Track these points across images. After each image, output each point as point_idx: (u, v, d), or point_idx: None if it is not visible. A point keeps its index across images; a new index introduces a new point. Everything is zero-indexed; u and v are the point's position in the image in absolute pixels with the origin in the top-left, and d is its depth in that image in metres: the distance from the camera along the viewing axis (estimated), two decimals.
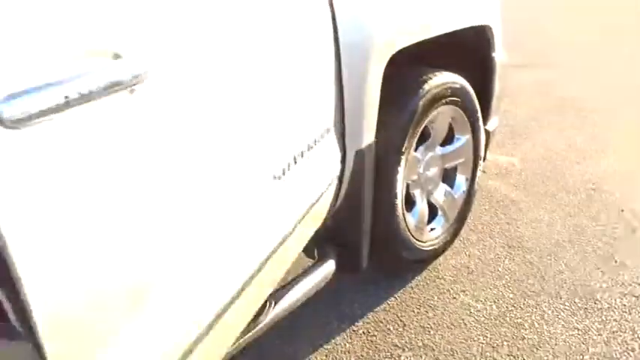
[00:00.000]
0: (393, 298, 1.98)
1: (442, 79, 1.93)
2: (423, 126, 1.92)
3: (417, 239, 2.01)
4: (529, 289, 1.99)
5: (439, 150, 2.11)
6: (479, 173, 2.33)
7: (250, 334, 1.44)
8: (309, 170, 1.40)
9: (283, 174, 1.27)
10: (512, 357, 1.68)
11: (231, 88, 1.10)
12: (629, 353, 1.68)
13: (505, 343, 1.73)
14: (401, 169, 1.84)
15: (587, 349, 1.69)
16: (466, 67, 2.15)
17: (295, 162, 1.31)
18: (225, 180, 1.10)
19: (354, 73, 1.54)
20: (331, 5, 1.43)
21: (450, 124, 2.12)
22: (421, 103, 1.84)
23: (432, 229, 2.14)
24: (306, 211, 1.40)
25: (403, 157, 1.83)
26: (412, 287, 2.03)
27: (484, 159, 2.43)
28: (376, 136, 1.70)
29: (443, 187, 2.19)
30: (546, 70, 4.58)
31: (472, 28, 2.07)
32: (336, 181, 1.60)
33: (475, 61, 2.22)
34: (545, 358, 1.66)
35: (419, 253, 2.04)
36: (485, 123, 2.33)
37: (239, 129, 1.13)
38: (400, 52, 1.67)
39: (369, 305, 1.95)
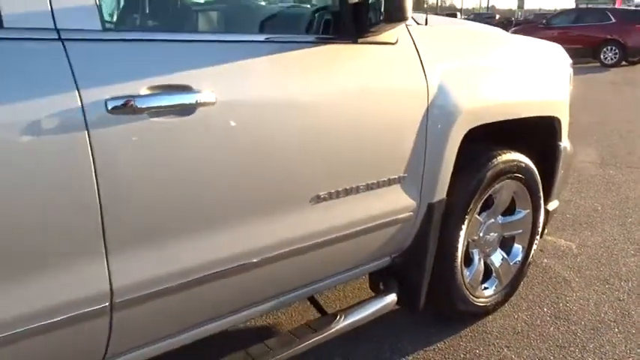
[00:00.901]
0: (442, 342, 2.22)
1: (509, 157, 2.24)
2: (488, 194, 2.22)
3: (470, 293, 2.27)
4: (570, 355, 2.17)
5: (500, 219, 2.39)
6: (534, 247, 2.57)
7: (321, 336, 1.75)
8: (383, 199, 1.75)
9: (349, 193, 1.66)
10: None
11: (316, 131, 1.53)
12: None
13: None
14: (464, 227, 2.13)
15: None
16: (535, 151, 2.45)
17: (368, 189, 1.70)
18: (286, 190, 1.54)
19: (435, 144, 1.88)
20: (428, 92, 1.81)
21: (513, 198, 2.41)
22: (489, 174, 2.15)
23: (485, 288, 2.39)
24: (372, 226, 1.75)
25: (467, 217, 2.13)
26: (461, 336, 2.27)
27: (541, 235, 2.67)
28: (450, 196, 2.02)
29: (500, 253, 2.45)
30: (618, 170, 4.75)
31: (542, 117, 2.38)
32: (408, 223, 1.92)
33: (544, 146, 2.51)
34: None
35: (471, 307, 2.29)
36: (546, 203, 2.58)
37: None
38: (478, 128, 2.01)
39: (420, 344, 2.20)
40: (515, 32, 16.40)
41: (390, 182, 1.81)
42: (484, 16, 41.47)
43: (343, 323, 1.83)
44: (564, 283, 2.74)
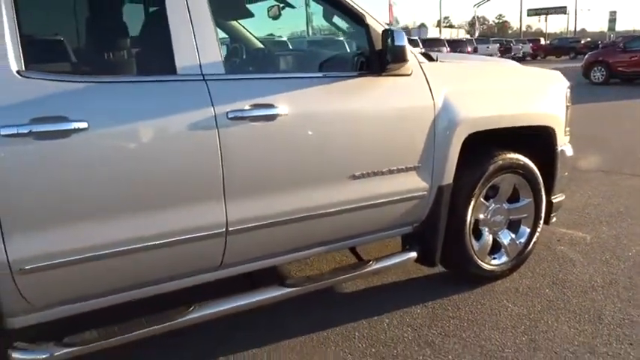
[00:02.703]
0: (456, 295, 2.96)
1: (508, 156, 2.98)
2: (491, 184, 2.96)
3: (479, 259, 3.00)
4: (555, 305, 2.83)
5: (505, 205, 3.11)
6: (539, 230, 3.24)
7: (356, 273, 2.59)
8: (402, 181, 2.57)
9: (377, 174, 2.48)
10: (531, 339, 2.56)
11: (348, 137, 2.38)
12: None
13: (524, 335, 2.62)
14: (470, 207, 2.88)
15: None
16: (537, 153, 3.16)
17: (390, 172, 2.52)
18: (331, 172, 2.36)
19: (441, 144, 2.68)
20: (435, 108, 2.63)
21: (517, 188, 3.12)
22: (490, 168, 2.90)
23: (494, 258, 3.10)
24: (394, 199, 2.57)
25: (473, 199, 2.88)
26: (472, 292, 2.99)
27: (547, 222, 3.34)
28: (457, 182, 2.79)
29: (507, 232, 3.16)
30: None
31: (539, 127, 3.09)
32: (424, 199, 2.71)
33: (544, 150, 3.20)
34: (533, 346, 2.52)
35: (480, 271, 3.01)
36: (549, 195, 3.26)
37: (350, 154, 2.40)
38: (481, 134, 2.77)
39: (439, 296, 2.95)
40: (592, 55, 16.38)
41: (407, 169, 2.63)
42: (569, 41, 40.59)
43: (373, 267, 2.66)
44: (569, 262, 3.38)
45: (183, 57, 2.07)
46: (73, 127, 1.82)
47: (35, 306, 1.92)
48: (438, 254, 2.86)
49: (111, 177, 1.93)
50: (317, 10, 2.75)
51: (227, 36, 3.25)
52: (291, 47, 3.26)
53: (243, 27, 3.51)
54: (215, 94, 2.09)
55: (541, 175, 3.16)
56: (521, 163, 3.04)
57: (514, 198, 3.16)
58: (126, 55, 2.31)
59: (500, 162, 2.95)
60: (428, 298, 2.93)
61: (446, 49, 24.89)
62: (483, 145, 2.92)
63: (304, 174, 2.33)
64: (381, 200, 2.58)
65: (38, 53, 1.91)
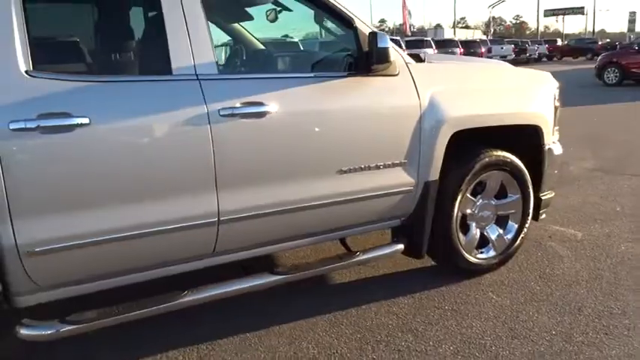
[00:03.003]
0: (444, 287, 3.08)
1: (495, 153, 3.09)
2: (478, 180, 3.08)
3: (467, 253, 3.11)
4: (538, 297, 2.94)
5: (493, 201, 3.23)
6: (527, 225, 3.35)
7: (344, 263, 2.74)
8: (389, 176, 2.70)
9: (364, 170, 2.62)
10: (510, 328, 2.68)
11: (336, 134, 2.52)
12: None
13: (504, 324, 2.73)
14: (457, 202, 3.00)
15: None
16: (525, 151, 3.27)
17: (377, 168, 2.65)
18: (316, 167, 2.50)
19: (427, 142, 2.80)
20: (421, 107, 2.75)
21: (504, 185, 3.23)
22: (477, 165, 3.02)
23: (481, 252, 3.22)
24: (381, 194, 2.71)
25: (459, 195, 3.00)
26: (459, 284, 3.11)
27: (536, 218, 3.44)
28: (444, 178, 2.92)
29: (495, 228, 3.27)
30: None
31: (526, 126, 3.20)
32: (410, 194, 2.84)
33: (532, 148, 3.31)
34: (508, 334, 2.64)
35: (466, 264, 3.13)
36: (537, 191, 3.37)
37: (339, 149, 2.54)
38: (467, 132, 2.89)
39: (427, 287, 3.07)
40: (605, 57, 16.29)
41: (394, 165, 2.76)
42: (586, 41, 40.24)
43: (360, 258, 2.80)
44: (558, 258, 3.48)
45: (179, 58, 2.23)
46: (75, 123, 1.99)
47: (41, 286, 2.09)
48: (425, 247, 2.98)
49: (110, 169, 2.09)
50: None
51: (229, 38, 3.41)
52: (286, 49, 3.40)
53: (245, 29, 3.68)
54: (208, 92, 2.25)
55: (530, 172, 3.28)
56: (508, 160, 3.15)
57: (502, 194, 3.27)
58: (125, 56, 2.48)
59: (487, 159, 3.06)
60: (416, 290, 3.06)
61: (459, 50, 24.87)
62: (470, 142, 3.04)
63: (293, 168, 2.48)
64: (368, 194, 2.71)
65: (45, 54, 2.08)
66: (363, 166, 2.66)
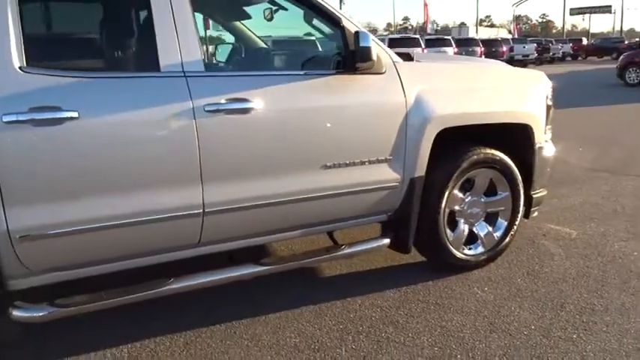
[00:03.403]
0: (431, 282, 3.13)
1: (483, 151, 3.13)
2: (466, 177, 3.13)
3: (454, 249, 3.17)
4: (522, 293, 2.98)
5: (482, 198, 3.27)
6: (517, 223, 3.38)
7: (329, 256, 2.81)
8: (374, 172, 2.77)
9: (348, 165, 2.69)
10: (490, 322, 2.72)
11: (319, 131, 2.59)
12: None
13: (485, 318, 2.78)
14: (444, 199, 3.06)
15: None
16: (515, 150, 3.30)
17: (362, 164, 2.72)
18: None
19: (413, 139, 2.86)
20: (407, 105, 2.82)
21: (494, 182, 3.27)
22: (464, 163, 3.07)
23: (470, 248, 3.27)
24: (366, 189, 2.78)
25: (447, 191, 3.05)
26: (446, 279, 3.16)
27: (527, 216, 3.47)
28: (431, 175, 2.97)
29: (484, 225, 3.31)
30: None
31: (516, 124, 3.24)
32: (396, 190, 2.90)
33: (522, 147, 3.34)
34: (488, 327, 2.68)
35: (453, 259, 3.18)
36: (528, 189, 3.40)
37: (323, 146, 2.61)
38: (455, 130, 2.94)
39: (415, 281, 3.13)
40: (627, 56, 16.02)
41: (379, 161, 2.83)
42: (612, 41, 39.53)
43: (345, 251, 2.87)
44: (549, 256, 3.50)
45: (167, 56, 2.33)
46: (65, 116, 2.11)
47: (32, 270, 2.22)
48: (411, 242, 3.04)
49: (98, 161, 2.21)
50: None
51: (220, 35, 3.52)
52: (279, 47, 3.51)
53: (246, 28, 3.79)
54: (194, 89, 2.35)
55: (521, 170, 3.31)
56: (497, 158, 3.19)
57: (492, 192, 3.31)
58: (116, 53, 2.59)
59: (475, 157, 3.11)
60: (403, 284, 3.12)
61: (480, 49, 24.67)
62: (458, 140, 3.09)
63: (277, 163, 2.57)
64: (353, 189, 2.79)
65: (37, 51, 2.20)
66: (347, 162, 2.74)
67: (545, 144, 3.43)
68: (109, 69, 2.37)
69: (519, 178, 3.31)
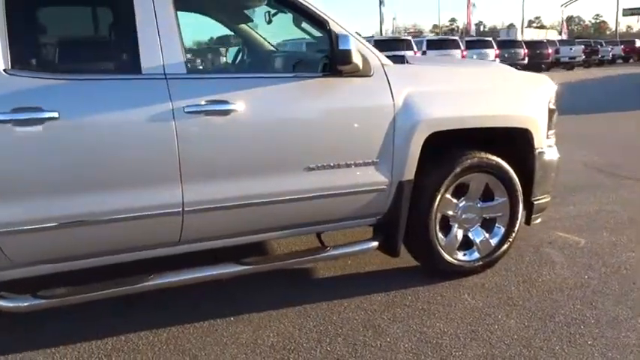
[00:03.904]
0: (421, 287, 3.10)
1: (479, 155, 3.08)
2: (459, 181, 3.08)
3: (446, 254, 3.12)
4: (512, 302, 2.91)
5: (478, 203, 3.21)
6: (515, 229, 3.30)
7: (314, 257, 2.83)
8: (361, 174, 2.77)
9: (332, 167, 2.70)
10: (472, 330, 2.67)
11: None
12: None
13: (469, 326, 2.73)
14: (435, 203, 3.01)
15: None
16: (515, 154, 3.23)
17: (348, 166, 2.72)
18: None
19: (401, 142, 2.84)
20: (394, 108, 2.80)
21: (491, 188, 3.20)
22: (458, 166, 3.02)
23: (464, 254, 3.21)
24: (352, 191, 2.78)
25: (438, 196, 3.01)
26: (437, 284, 3.12)
27: (528, 223, 3.39)
28: (421, 178, 2.94)
29: (480, 231, 3.25)
30: None
31: (514, 129, 3.16)
32: (384, 193, 2.89)
33: (522, 152, 3.26)
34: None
35: (445, 265, 3.13)
36: (529, 196, 3.31)
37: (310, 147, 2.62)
38: (449, 133, 2.91)
39: (405, 286, 3.11)
40: None
41: (365, 164, 2.82)
42: None
43: (330, 253, 2.88)
44: (550, 264, 3.40)
45: (148, 58, 2.40)
46: (46, 117, 2.20)
47: (15, 263, 2.33)
48: (399, 245, 3.02)
49: (78, 160, 2.30)
50: None
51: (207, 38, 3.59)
52: (269, 50, 3.57)
53: (253, 30, 3.85)
54: (174, 91, 2.41)
55: (521, 176, 3.24)
56: (493, 163, 3.13)
57: (489, 197, 3.25)
58: (98, 56, 2.68)
59: (469, 161, 3.05)
60: (393, 288, 3.10)
61: (524, 50, 24.07)
62: (451, 144, 3.05)
63: (257, 164, 2.60)
64: (339, 191, 2.79)
65: (21, 54, 2.30)
66: (332, 164, 2.74)
67: (548, 149, 3.33)
68: (91, 71, 2.46)
69: (518, 183, 3.23)
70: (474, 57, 19.20)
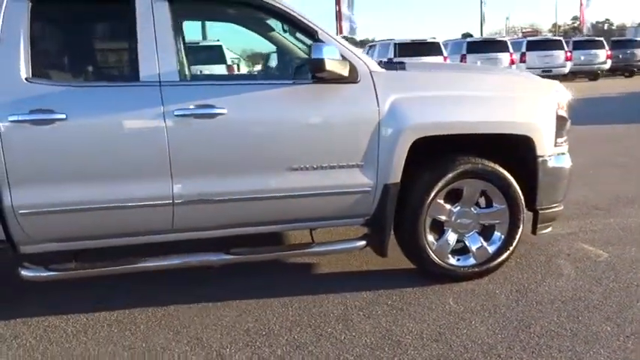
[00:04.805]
0: (410, 288, 3.17)
1: (473, 161, 3.09)
2: (451, 186, 3.11)
3: (437, 257, 3.16)
4: (495, 311, 2.89)
5: (474, 209, 3.21)
6: (517, 237, 3.25)
7: (302, 251, 3.03)
8: (345, 176, 2.93)
9: (316, 169, 2.87)
10: (439, 332, 2.72)
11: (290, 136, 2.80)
12: None
13: (438, 328, 2.77)
14: (424, 207, 3.07)
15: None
16: (517, 162, 3.20)
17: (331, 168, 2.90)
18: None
19: (386, 147, 2.94)
20: (379, 114, 2.92)
21: (489, 195, 3.20)
22: (449, 171, 3.07)
23: (457, 259, 3.23)
24: (336, 192, 2.95)
25: (427, 199, 3.07)
26: (426, 288, 3.17)
27: (534, 232, 3.32)
28: (410, 182, 3.02)
29: (477, 237, 3.24)
30: None
31: (514, 135, 3.13)
32: (369, 195, 3.01)
33: (524, 159, 3.21)
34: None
35: (436, 268, 3.18)
36: (533, 204, 3.25)
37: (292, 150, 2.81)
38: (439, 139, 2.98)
39: (394, 287, 3.20)
40: None
41: (349, 166, 2.96)
42: None
43: (315, 249, 3.06)
44: (556, 275, 3.30)
45: (146, 68, 2.75)
46: (56, 117, 2.62)
47: (34, 239, 2.78)
48: (386, 246, 3.11)
49: (82, 155, 2.70)
50: None
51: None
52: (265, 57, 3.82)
53: (283, 36, 4.11)
54: (166, 96, 2.73)
55: (525, 184, 3.20)
56: (489, 169, 3.12)
57: (488, 203, 3.24)
58: (104, 65, 3.08)
59: (462, 167, 3.08)
60: (382, 287, 3.20)
61: (606, 51, 21.24)
62: (448, 149, 3.10)
63: (240, 163, 2.85)
64: (323, 191, 2.96)
65: (40, 65, 2.74)
66: (315, 166, 2.92)
67: (557, 157, 3.25)
68: (97, 79, 2.86)
69: (518, 191, 3.19)
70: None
